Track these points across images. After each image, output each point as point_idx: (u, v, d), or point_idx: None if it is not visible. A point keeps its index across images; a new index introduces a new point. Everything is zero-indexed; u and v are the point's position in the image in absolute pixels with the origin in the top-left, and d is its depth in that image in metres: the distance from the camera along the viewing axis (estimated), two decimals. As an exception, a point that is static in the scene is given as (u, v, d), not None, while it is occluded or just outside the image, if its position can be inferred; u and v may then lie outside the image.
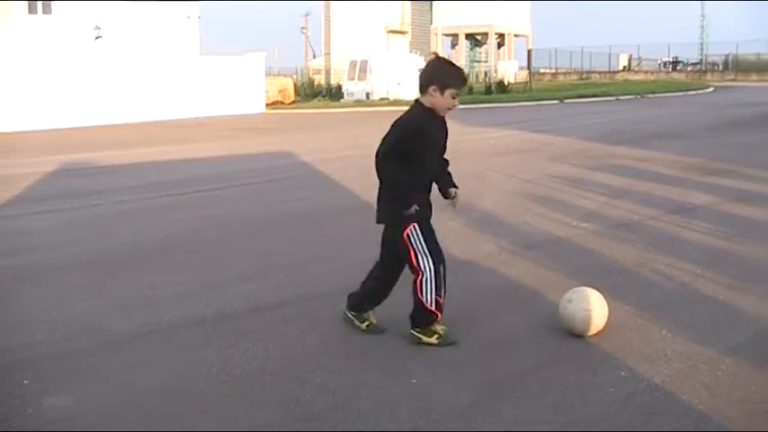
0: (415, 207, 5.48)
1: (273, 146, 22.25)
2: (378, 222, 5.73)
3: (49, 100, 35.72)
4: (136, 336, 6.00)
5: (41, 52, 46.79)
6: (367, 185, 13.18)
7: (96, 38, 52.16)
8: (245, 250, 8.94)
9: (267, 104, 44.20)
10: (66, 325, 6.31)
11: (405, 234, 5.50)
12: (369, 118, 32.79)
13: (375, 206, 5.70)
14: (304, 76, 73.46)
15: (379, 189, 5.68)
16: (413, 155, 5.49)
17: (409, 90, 45.00)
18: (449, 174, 5.96)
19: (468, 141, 21.10)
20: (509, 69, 75.79)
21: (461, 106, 38.42)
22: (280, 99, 49.06)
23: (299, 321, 6.23)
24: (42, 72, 38.08)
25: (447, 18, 77.33)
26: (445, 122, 5.69)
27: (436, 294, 5.45)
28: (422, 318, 5.55)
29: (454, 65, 5.79)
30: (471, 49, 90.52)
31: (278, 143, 23.05)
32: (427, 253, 5.49)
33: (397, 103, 41.83)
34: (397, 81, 44.98)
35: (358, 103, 43.51)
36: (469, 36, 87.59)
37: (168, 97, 38.20)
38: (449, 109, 5.56)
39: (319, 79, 76.25)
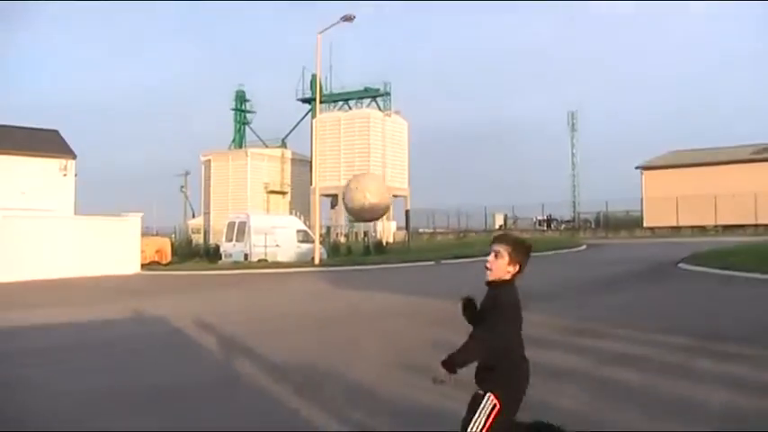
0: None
1: (146, 309, 21.63)
2: None
3: None
4: None
5: None
6: (233, 355, 12.83)
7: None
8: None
9: (143, 265, 43.51)
10: None
11: None
12: (246, 280, 32.47)
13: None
14: (182, 236, 72.88)
15: None
16: None
17: (288, 252, 44.95)
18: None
19: (338, 306, 20.99)
20: (388, 229, 76.70)
21: (338, 268, 38.58)
22: (156, 259, 48.47)
23: None
24: None
25: (326, 178, 78.35)
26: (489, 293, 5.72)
27: None
28: None
29: None
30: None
31: (150, 306, 22.45)
32: None
33: (276, 265, 41.66)
34: (276, 242, 44.87)
35: (236, 264, 43.14)
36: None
37: (41, 256, 37.26)
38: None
39: (197, 238, 75.93)
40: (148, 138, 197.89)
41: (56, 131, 58.41)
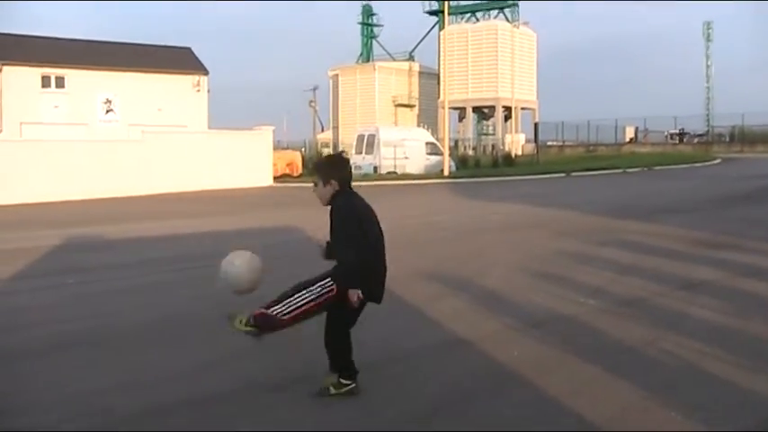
0: None
1: (279, 221, 22.20)
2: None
3: (59, 172, 35.90)
4: (136, 416, 5.92)
5: (52, 125, 47.43)
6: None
7: (107, 111, 52.76)
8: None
9: (275, 177, 44.30)
10: (63, 405, 6.23)
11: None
12: (376, 192, 32.87)
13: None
14: (312, 150, 73.84)
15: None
16: None
17: (417, 164, 45.15)
18: None
19: (473, 216, 21.12)
20: (516, 142, 76.14)
21: (468, 180, 38.63)
22: (287, 172, 49.22)
23: (295, 401, 6.14)
24: (54, 144, 38.34)
25: (454, 91, 77.93)
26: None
27: None
28: None
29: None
30: (478, 122, 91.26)
31: (284, 218, 23.00)
32: None
33: (405, 177, 41.94)
34: (405, 155, 45.11)
35: (365, 177, 43.57)
36: (477, 109, 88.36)
37: (177, 170, 38.29)
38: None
39: (327, 152, 76.79)
40: (278, 54, 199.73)
41: (189, 49, 59.58)
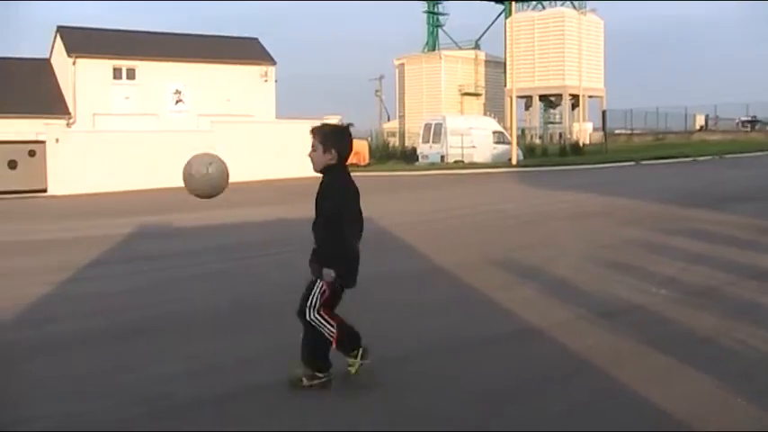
0: None
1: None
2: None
3: (131, 162, 36.52)
4: (203, 403, 6.02)
5: (124, 116, 48.23)
6: (441, 250, 13.28)
7: (176, 102, 53.49)
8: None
9: (342, 167, 44.57)
10: (130, 390, 6.37)
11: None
12: (444, 181, 32.92)
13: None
14: (378, 139, 73.99)
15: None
16: None
17: (484, 153, 45.06)
18: None
19: (539, 205, 21.07)
20: (584, 130, 75.46)
21: (536, 168, 38.46)
22: (354, 161, 49.46)
23: (372, 388, 6.16)
24: (125, 135, 39.01)
25: (521, 80, 77.49)
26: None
27: None
28: None
29: None
30: (545, 110, 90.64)
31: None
32: None
33: (472, 166, 41.89)
34: (472, 144, 45.05)
35: (432, 166, 43.64)
36: (543, 97, 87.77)
37: (245, 160, 38.67)
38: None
39: (394, 141, 76.86)
40: (343, 43, 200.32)
41: (256, 39, 60.13)
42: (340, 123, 6.27)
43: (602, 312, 8.45)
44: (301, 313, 5.97)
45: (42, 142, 39.36)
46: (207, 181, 6.16)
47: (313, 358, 6.08)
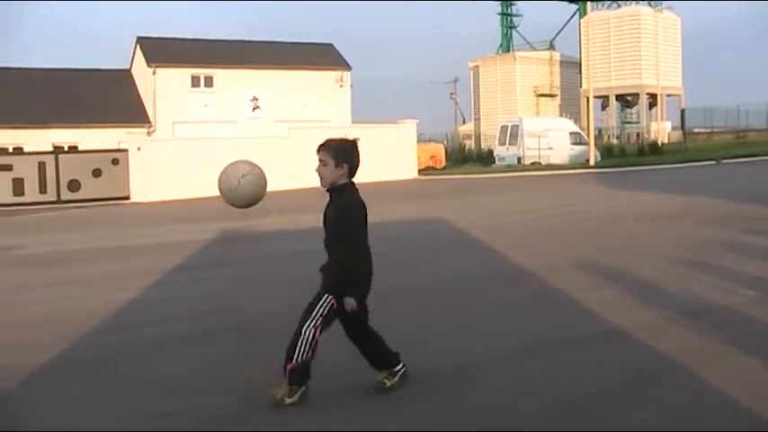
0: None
1: (427, 212, 22.49)
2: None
3: (210, 169, 37.07)
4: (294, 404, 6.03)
5: (202, 123, 48.98)
6: (522, 252, 13.31)
7: (253, 108, 54.17)
8: (394, 319, 8.99)
9: (419, 170, 44.69)
10: (228, 388, 6.52)
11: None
12: (521, 183, 32.84)
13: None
14: (454, 142, 73.97)
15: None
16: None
17: (561, 154, 44.84)
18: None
19: (619, 206, 20.93)
20: (662, 130, 74.50)
21: (614, 169, 38.11)
22: (431, 164, 49.61)
23: (455, 391, 6.24)
24: (203, 142, 39.62)
25: (597, 79, 76.80)
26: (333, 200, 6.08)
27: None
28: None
29: None
30: (622, 110, 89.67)
31: (432, 209, 23.28)
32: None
33: (549, 167, 41.69)
34: (549, 145, 44.86)
35: (509, 168, 43.55)
36: (620, 97, 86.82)
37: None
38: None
39: (469, 144, 76.79)
40: (417, 47, 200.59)
41: (331, 45, 60.61)
42: (346, 138, 6.19)
43: (686, 313, 8.41)
44: (300, 324, 5.86)
45: (125, 151, 40.20)
46: (239, 193, 6.21)
47: (380, 357, 6.15)
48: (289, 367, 5.75)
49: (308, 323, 5.78)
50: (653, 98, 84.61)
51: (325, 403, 6.01)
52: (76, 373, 7.54)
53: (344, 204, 5.94)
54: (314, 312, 5.81)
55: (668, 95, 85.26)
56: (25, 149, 44.40)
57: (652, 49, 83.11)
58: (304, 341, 5.74)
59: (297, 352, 5.73)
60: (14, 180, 37.74)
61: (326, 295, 5.84)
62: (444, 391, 6.21)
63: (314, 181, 6.13)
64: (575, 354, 7.22)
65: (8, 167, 37.97)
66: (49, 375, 7.44)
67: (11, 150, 45.01)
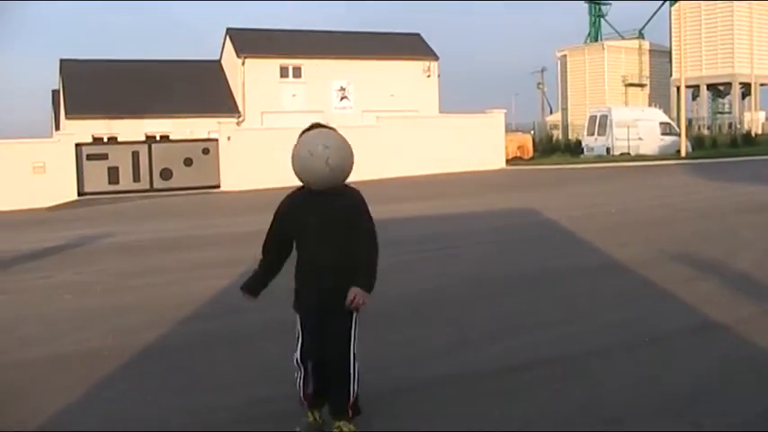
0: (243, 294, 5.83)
1: (517, 202, 22.40)
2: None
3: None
4: (393, 391, 6.22)
5: (291, 113, 49.44)
6: (615, 244, 13.19)
7: (341, 98, 54.48)
8: (493, 309, 9.12)
9: (507, 160, 44.45)
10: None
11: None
12: (611, 174, 32.45)
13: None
14: (542, 132, 73.41)
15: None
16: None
17: (651, 145, 44.17)
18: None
19: (713, 198, 20.59)
20: (756, 120, 72.93)
21: (706, 160, 37.43)
22: (518, 155, 49.30)
23: (556, 383, 6.28)
24: (293, 132, 39.97)
25: (688, 69, 75.41)
26: (327, 195, 5.56)
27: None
28: None
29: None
30: (713, 100, 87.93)
31: (521, 200, 23.18)
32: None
33: (639, 158, 41.12)
34: (639, 135, 44.23)
35: (598, 158, 43.04)
36: (711, 87, 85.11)
37: (410, 155, 39.05)
38: None
39: (557, 134, 76.11)
40: (505, 36, 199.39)
41: (418, 35, 60.55)
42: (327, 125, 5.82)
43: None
44: (344, 356, 5.25)
45: (215, 140, 40.70)
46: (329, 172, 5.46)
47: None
48: (350, 404, 5.22)
49: (350, 358, 5.24)
50: (746, 87, 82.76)
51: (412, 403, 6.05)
52: (177, 358, 7.78)
53: (360, 202, 5.80)
54: (351, 343, 5.28)
55: (762, 84, 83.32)
56: (119, 139, 45.31)
57: (746, 37, 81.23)
58: (354, 375, 5.24)
59: (351, 390, 5.21)
60: (110, 169, 38.48)
61: (354, 314, 5.33)
62: (543, 384, 6.24)
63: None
64: (676, 346, 7.20)
65: (104, 156, 38.73)
66: (150, 357, 7.67)
67: (106, 140, 45.88)
